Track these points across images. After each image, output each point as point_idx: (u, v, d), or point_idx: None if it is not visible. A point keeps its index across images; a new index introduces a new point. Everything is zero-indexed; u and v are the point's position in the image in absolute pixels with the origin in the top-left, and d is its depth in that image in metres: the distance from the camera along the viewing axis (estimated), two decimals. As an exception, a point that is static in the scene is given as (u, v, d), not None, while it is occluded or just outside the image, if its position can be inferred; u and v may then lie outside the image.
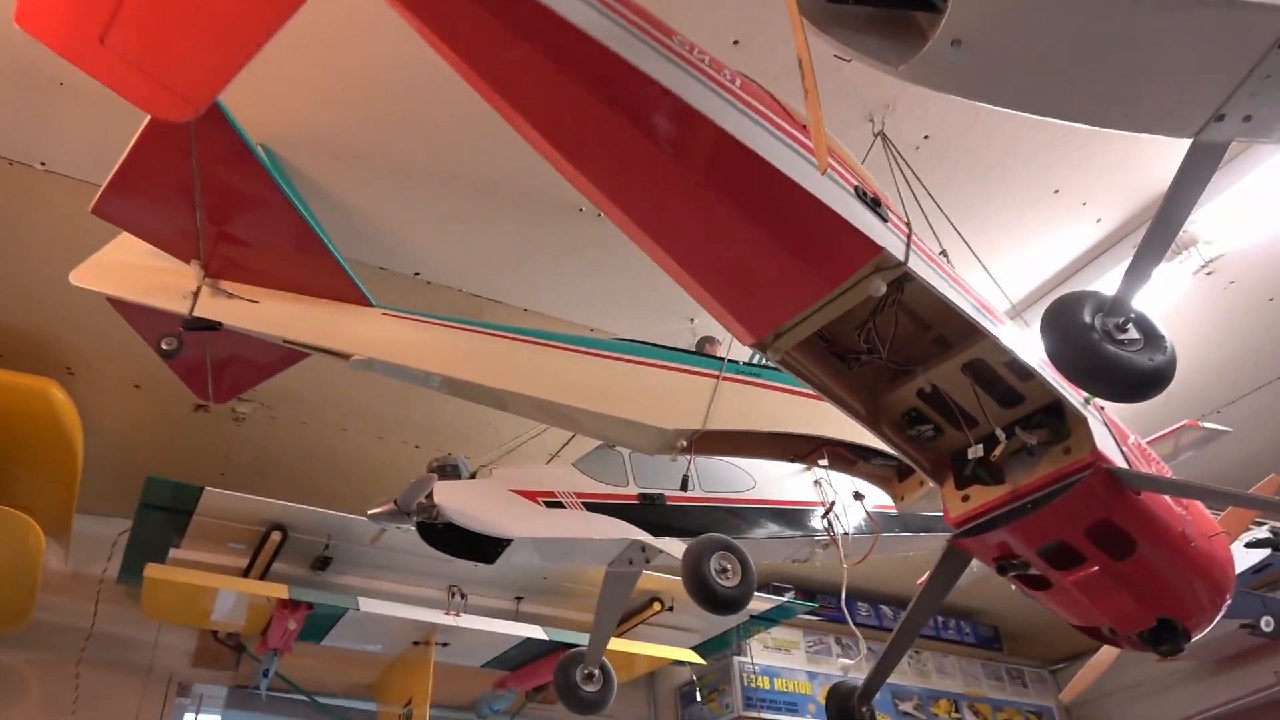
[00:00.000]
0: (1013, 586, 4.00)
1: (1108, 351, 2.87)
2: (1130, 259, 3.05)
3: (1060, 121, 2.51)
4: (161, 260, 4.55)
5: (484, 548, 4.99)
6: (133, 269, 4.56)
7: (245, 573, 7.48)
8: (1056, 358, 3.02)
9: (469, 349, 4.80)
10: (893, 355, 3.58)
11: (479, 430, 7.45)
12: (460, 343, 4.80)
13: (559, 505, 5.17)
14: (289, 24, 2.39)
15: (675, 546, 5.10)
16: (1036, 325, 3.11)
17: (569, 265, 6.18)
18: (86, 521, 7.11)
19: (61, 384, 6.00)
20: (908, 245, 3.26)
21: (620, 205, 3.09)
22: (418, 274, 6.23)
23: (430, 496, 4.83)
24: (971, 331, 3.47)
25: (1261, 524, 7.38)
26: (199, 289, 4.51)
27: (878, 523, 5.69)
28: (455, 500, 4.87)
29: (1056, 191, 6.12)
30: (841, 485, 5.96)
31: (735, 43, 4.66)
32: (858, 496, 5.35)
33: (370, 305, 4.81)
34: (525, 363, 4.83)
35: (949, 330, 3.57)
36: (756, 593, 9.14)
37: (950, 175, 5.80)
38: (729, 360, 5.19)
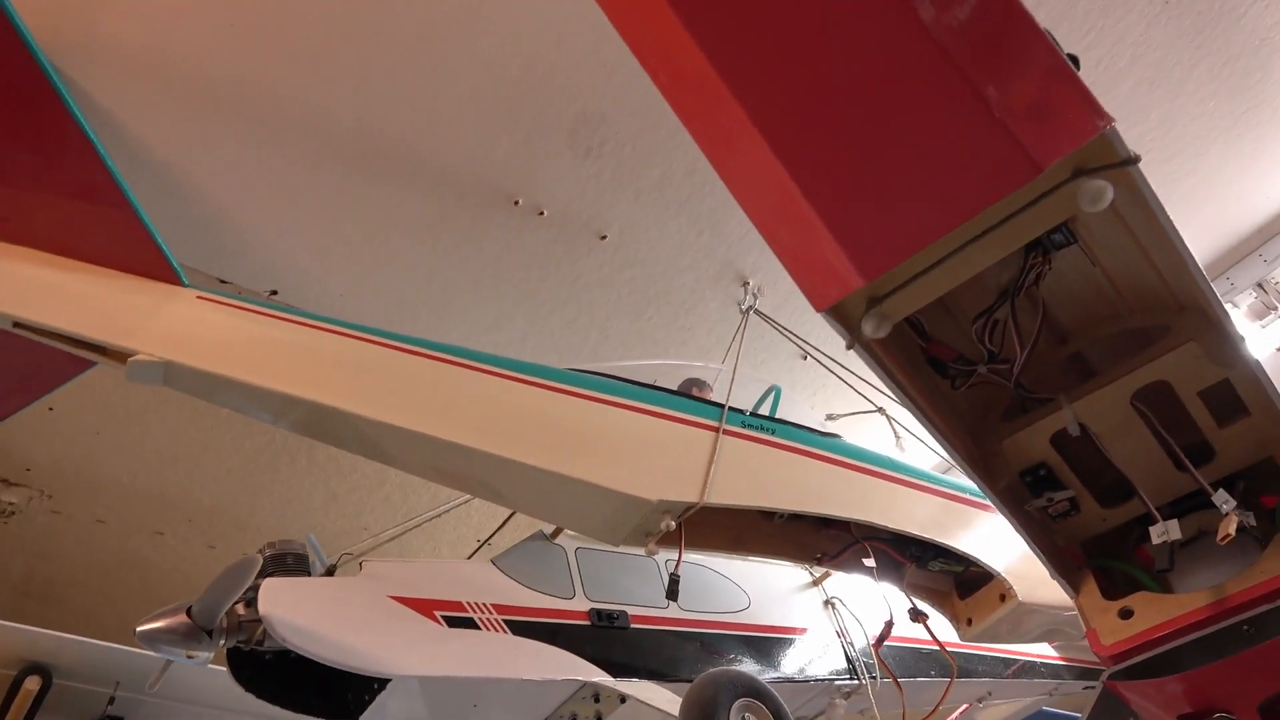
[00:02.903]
0: None
1: None
2: None
3: None
4: None
5: (341, 693, 3.01)
6: None
7: (-4, 741, 5.17)
8: None
9: (332, 357, 3.01)
10: (1023, 371, 2.41)
11: (359, 534, 5.47)
12: (319, 346, 3.01)
13: (468, 623, 3.25)
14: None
15: (651, 693, 3.24)
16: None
17: (533, 291, 4.48)
18: None
19: None
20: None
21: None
22: (274, 293, 4.43)
23: (253, 602, 2.87)
24: (1167, 332, 2.26)
25: None
26: None
27: (953, 657, 3.87)
28: (294, 609, 2.89)
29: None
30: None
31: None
32: (916, 617, 3.56)
33: (180, 284, 2.99)
34: (422, 386, 3.05)
35: (1117, 328, 2.40)
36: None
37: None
38: (731, 408, 3.51)
